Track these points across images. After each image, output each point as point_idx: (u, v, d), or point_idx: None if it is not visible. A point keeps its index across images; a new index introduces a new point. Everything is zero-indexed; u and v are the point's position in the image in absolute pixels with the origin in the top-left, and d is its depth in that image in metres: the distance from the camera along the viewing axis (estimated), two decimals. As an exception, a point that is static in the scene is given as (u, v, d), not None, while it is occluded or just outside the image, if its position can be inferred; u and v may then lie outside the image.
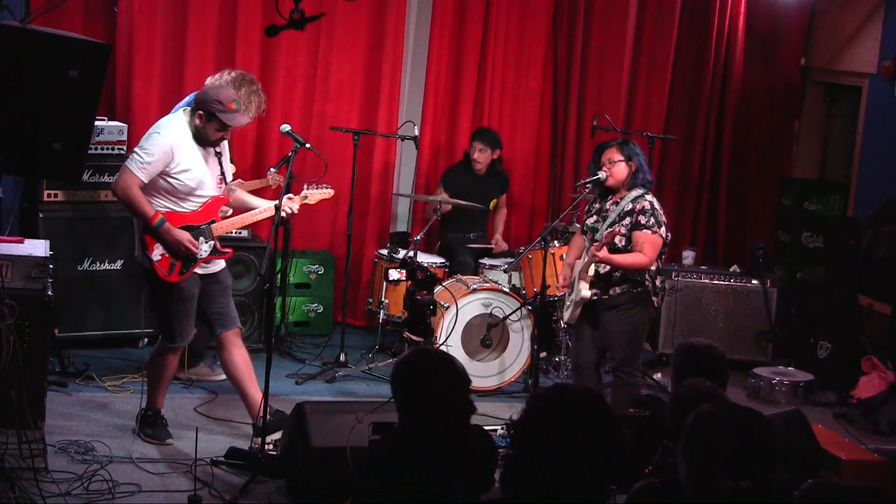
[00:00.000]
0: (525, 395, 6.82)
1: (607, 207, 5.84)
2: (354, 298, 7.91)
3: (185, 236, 5.35)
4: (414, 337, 6.55)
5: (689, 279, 7.78)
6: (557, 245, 7.06)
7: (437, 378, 3.40)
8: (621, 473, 2.73)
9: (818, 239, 8.27)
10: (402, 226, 8.28)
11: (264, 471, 5.19)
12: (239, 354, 5.60)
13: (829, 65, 8.64)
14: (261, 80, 6.45)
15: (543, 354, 7.23)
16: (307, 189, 5.79)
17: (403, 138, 7.52)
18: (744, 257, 8.41)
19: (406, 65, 8.09)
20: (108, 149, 6.66)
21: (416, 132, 7.45)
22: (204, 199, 5.47)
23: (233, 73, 6.25)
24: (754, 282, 7.78)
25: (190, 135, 5.38)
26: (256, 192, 6.29)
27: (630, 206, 5.71)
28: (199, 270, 5.49)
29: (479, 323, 6.84)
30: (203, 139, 5.39)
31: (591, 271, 5.71)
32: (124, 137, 6.73)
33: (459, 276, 7.12)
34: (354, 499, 3.47)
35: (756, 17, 8.63)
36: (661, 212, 5.75)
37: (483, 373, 6.86)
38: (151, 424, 5.65)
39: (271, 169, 6.96)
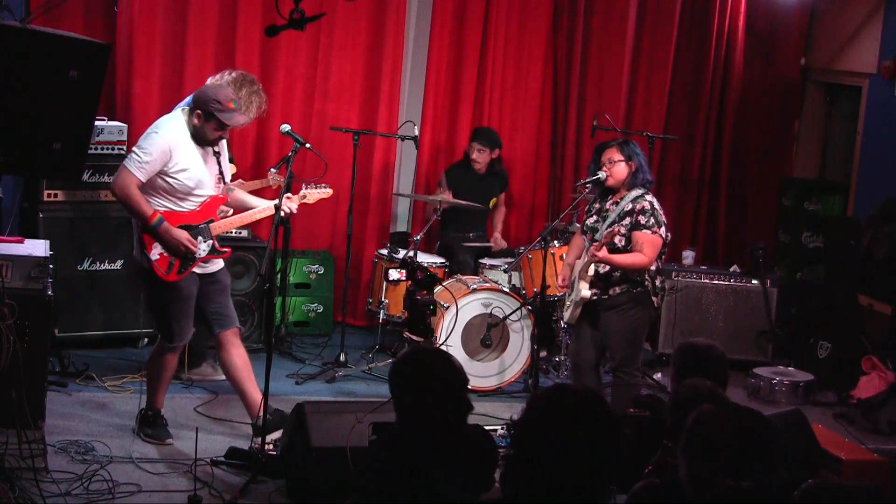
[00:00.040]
0: (525, 395, 6.82)
1: (607, 207, 5.84)
2: (354, 298, 7.91)
3: (183, 235, 5.35)
4: (414, 337, 6.54)
5: (689, 279, 7.78)
6: (557, 245, 7.06)
7: (436, 377, 3.40)
8: (621, 473, 2.73)
9: (818, 239, 8.27)
10: (402, 226, 8.28)
11: (264, 471, 5.19)
12: (238, 354, 5.60)
13: (829, 65, 8.64)
14: (261, 80, 6.45)
15: (543, 354, 7.23)
16: (306, 189, 5.79)
17: (403, 138, 7.52)
18: (744, 257, 8.41)
19: (406, 65, 8.09)
20: (108, 149, 6.66)
21: (416, 132, 7.45)
22: (202, 199, 5.47)
23: (233, 74, 6.25)
24: (754, 282, 7.78)
25: (188, 134, 5.38)
26: (257, 193, 6.29)
27: (630, 206, 5.71)
28: (197, 270, 5.49)
29: (479, 323, 6.84)
30: (201, 139, 5.39)
31: (591, 271, 5.71)
32: (124, 137, 6.73)
33: (459, 276, 7.12)
34: (354, 499, 3.47)
35: (756, 17, 8.63)
36: (661, 212, 5.75)
37: (483, 373, 6.86)
38: (151, 424, 5.65)
39: (272, 169, 6.96)
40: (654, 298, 5.78)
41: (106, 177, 6.62)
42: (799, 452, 5.00)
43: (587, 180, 5.92)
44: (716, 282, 7.79)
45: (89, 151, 5.14)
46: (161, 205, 5.38)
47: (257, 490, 5.10)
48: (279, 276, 7.03)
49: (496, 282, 7.12)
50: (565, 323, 6.40)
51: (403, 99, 8.12)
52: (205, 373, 6.60)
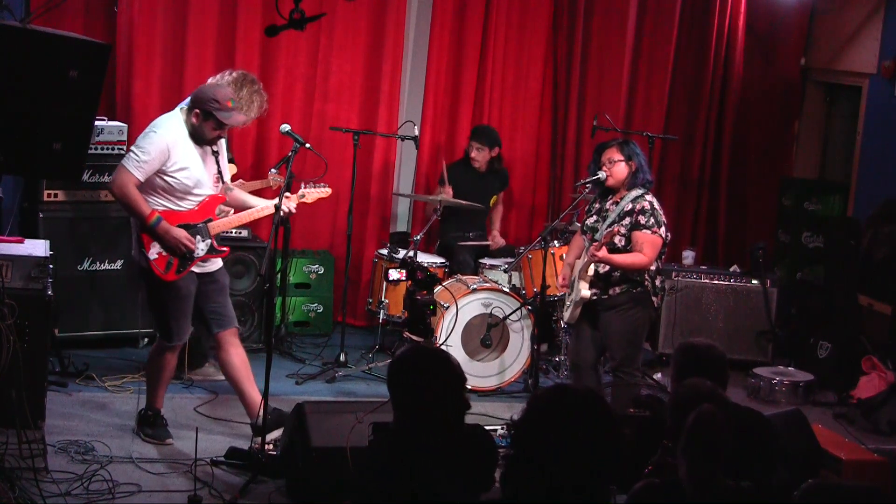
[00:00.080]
0: (525, 395, 6.82)
1: (607, 207, 5.84)
2: (354, 298, 7.91)
3: (181, 234, 5.35)
4: (414, 337, 6.54)
5: (689, 279, 7.78)
6: (557, 245, 7.06)
7: (436, 376, 3.40)
8: (621, 473, 2.73)
9: (818, 239, 8.27)
10: (402, 226, 8.28)
11: (264, 471, 5.19)
12: (236, 354, 5.59)
13: (829, 65, 8.64)
14: (261, 80, 6.44)
15: (544, 347, 7.22)
16: (304, 188, 5.79)
17: (403, 138, 7.52)
18: (744, 257, 8.41)
19: (406, 65, 8.09)
20: (108, 149, 6.66)
21: (416, 132, 7.45)
22: (201, 198, 5.47)
23: (234, 74, 6.25)
24: (754, 282, 7.78)
25: (186, 133, 5.38)
26: (258, 193, 6.29)
27: (630, 206, 5.71)
28: (195, 269, 5.49)
29: (479, 323, 6.84)
30: (200, 138, 5.39)
31: (591, 271, 5.71)
32: (124, 137, 6.73)
33: (459, 276, 7.12)
34: (354, 499, 3.46)
35: (756, 17, 8.63)
36: (661, 212, 5.75)
37: (483, 373, 6.87)
38: (151, 424, 5.65)
39: (272, 170, 6.96)
40: (654, 298, 5.78)
41: (106, 177, 6.62)
42: (799, 452, 5.00)
43: (587, 180, 5.92)
44: (716, 282, 7.79)
45: (89, 151, 5.14)
46: (160, 204, 5.38)
47: (257, 490, 5.10)
48: (279, 276, 7.03)
49: (496, 282, 7.12)
50: (565, 323, 6.40)
51: (403, 99, 8.12)
52: (207, 373, 6.60)
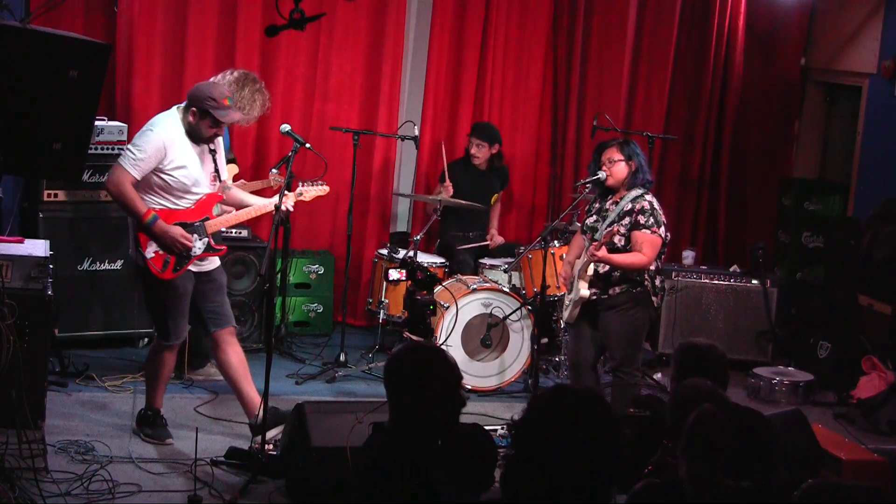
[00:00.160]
0: (525, 395, 6.82)
1: (607, 207, 5.84)
2: (354, 298, 7.91)
3: (178, 232, 5.35)
4: (414, 337, 6.54)
5: (689, 279, 7.78)
6: (557, 245, 7.06)
7: (435, 375, 3.38)
8: (621, 473, 2.73)
9: (818, 239, 8.27)
10: (402, 226, 8.28)
11: (264, 471, 5.19)
12: (234, 353, 5.59)
13: (829, 65, 8.64)
14: (261, 80, 6.45)
15: (545, 340, 7.21)
16: (302, 186, 5.79)
17: (403, 138, 7.52)
18: (744, 257, 8.41)
19: (406, 65, 8.09)
20: (108, 149, 6.65)
21: (416, 132, 7.45)
22: (198, 197, 5.47)
23: (235, 73, 6.27)
24: (754, 282, 7.78)
25: (183, 132, 5.38)
26: (258, 193, 6.29)
27: (629, 205, 5.71)
28: (192, 268, 5.48)
29: (479, 323, 6.84)
30: (196, 136, 5.39)
31: (591, 271, 5.71)
32: (124, 137, 6.72)
33: (459, 275, 7.12)
34: (353, 499, 3.46)
35: (756, 17, 8.63)
36: (661, 212, 5.75)
37: (483, 373, 6.87)
38: (151, 424, 5.65)
39: (273, 170, 6.96)
40: (653, 298, 5.78)
41: (106, 177, 6.61)
42: (799, 452, 5.00)
43: (587, 180, 5.92)
44: (716, 282, 7.79)
45: (89, 151, 5.14)
46: (157, 203, 5.38)
47: (257, 490, 5.10)
48: (279, 276, 7.03)
49: (496, 282, 7.12)
50: (565, 322, 6.40)
51: (403, 99, 8.12)
52: (207, 373, 6.59)
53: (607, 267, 5.71)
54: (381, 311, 7.13)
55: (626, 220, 5.69)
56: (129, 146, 5.37)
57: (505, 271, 7.25)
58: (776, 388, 7.17)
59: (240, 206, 5.69)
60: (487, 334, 6.82)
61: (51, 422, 5.42)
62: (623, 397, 5.60)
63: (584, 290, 5.73)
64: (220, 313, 5.60)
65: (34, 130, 4.66)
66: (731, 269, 7.94)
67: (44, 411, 5.17)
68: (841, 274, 7.65)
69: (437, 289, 6.59)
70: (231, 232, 6.88)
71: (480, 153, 7.70)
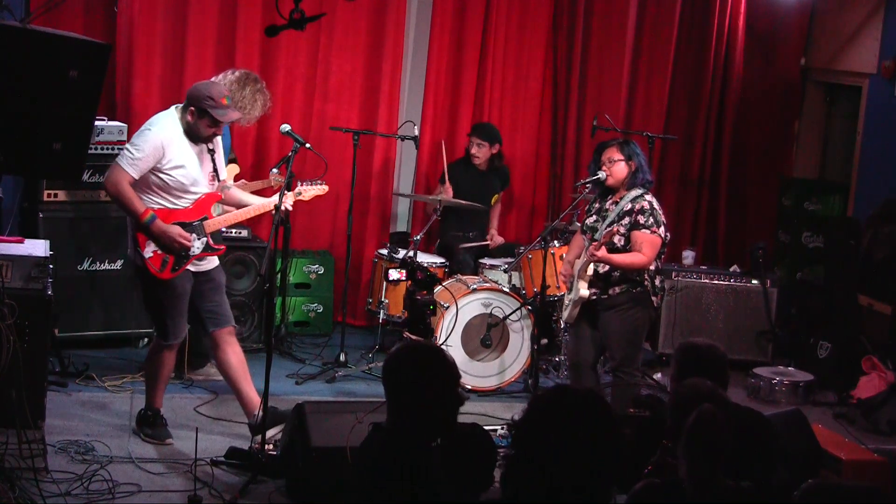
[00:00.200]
0: (525, 395, 6.82)
1: (607, 207, 5.84)
2: (354, 298, 7.91)
3: (176, 231, 5.35)
4: (414, 337, 6.54)
5: (689, 279, 7.78)
6: (557, 245, 7.06)
7: (435, 374, 3.38)
8: (621, 473, 2.73)
9: (818, 239, 8.27)
10: (402, 226, 8.28)
11: (264, 471, 5.19)
12: (233, 353, 5.59)
13: (829, 65, 8.64)
14: (262, 80, 6.46)
15: (544, 341, 7.21)
16: (301, 185, 5.79)
17: (403, 138, 7.52)
18: (744, 257, 8.41)
19: (406, 65, 8.09)
20: (108, 149, 6.65)
21: (416, 132, 7.45)
22: (197, 196, 5.47)
23: (237, 73, 6.27)
24: (754, 282, 7.78)
25: (181, 131, 5.38)
26: (259, 193, 6.30)
27: (629, 205, 5.71)
28: (191, 268, 5.48)
29: (479, 323, 6.84)
30: (195, 135, 5.39)
31: (590, 270, 5.71)
32: (124, 137, 6.72)
33: (459, 275, 7.12)
34: (352, 499, 3.45)
35: (756, 17, 8.63)
36: (661, 212, 5.75)
37: (483, 373, 6.87)
38: (151, 424, 5.65)
39: (273, 170, 6.97)
40: (653, 298, 5.78)
41: (104, 176, 6.61)
42: (799, 452, 5.00)
43: (587, 180, 5.92)
44: (716, 282, 7.79)
45: (89, 151, 5.14)
46: (155, 202, 5.37)
47: (257, 490, 5.10)
48: (279, 276, 7.03)
49: (496, 282, 7.12)
50: (564, 322, 6.40)
51: (403, 99, 8.12)
52: (207, 373, 6.59)
53: (607, 267, 5.71)
54: (381, 311, 7.13)
55: (626, 220, 5.69)
56: (128, 145, 5.38)
57: (505, 271, 7.25)
58: (776, 388, 7.17)
59: (239, 206, 5.69)
60: (487, 334, 6.82)
61: (51, 422, 5.42)
62: (623, 397, 5.60)
63: (583, 290, 5.73)
64: (219, 313, 5.59)
65: (34, 130, 4.66)
66: (731, 269, 7.94)
67: (44, 411, 5.17)
68: (841, 274, 7.65)
69: (437, 289, 6.59)
70: (231, 232, 6.88)
71: (481, 153, 7.69)
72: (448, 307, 6.69)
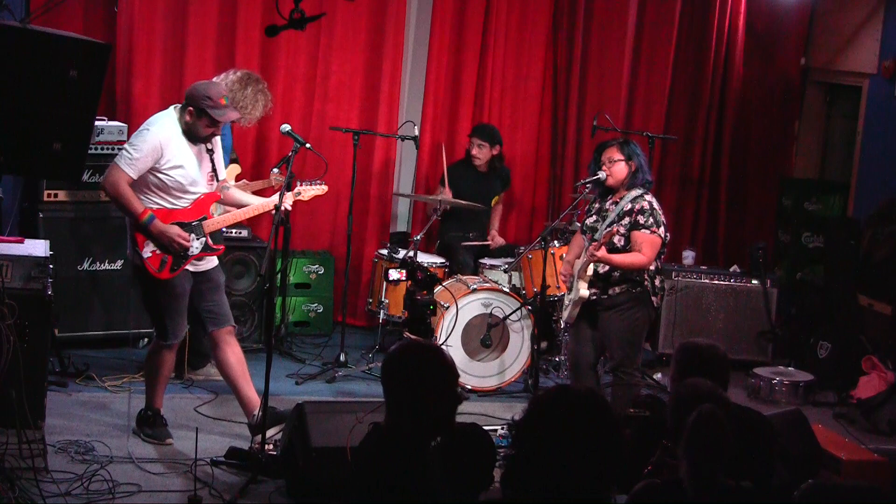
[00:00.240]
0: (525, 395, 6.82)
1: (607, 207, 5.84)
2: (354, 298, 7.92)
3: (175, 231, 5.35)
4: (414, 337, 6.54)
5: (689, 279, 7.78)
6: (557, 245, 7.06)
7: (428, 370, 3.37)
8: (621, 473, 2.73)
9: (818, 239, 8.27)
10: (402, 226, 8.28)
11: (264, 471, 5.18)
12: (232, 353, 5.58)
13: (829, 65, 8.64)
14: (264, 81, 6.46)
15: (544, 344, 7.22)
16: (300, 185, 5.79)
17: (403, 138, 7.52)
18: (744, 257, 8.41)
19: (406, 65, 8.09)
20: (108, 149, 6.65)
21: (416, 132, 7.45)
22: (195, 196, 5.47)
23: (238, 73, 6.27)
24: (754, 282, 7.78)
25: (180, 131, 5.38)
26: (260, 193, 6.30)
27: (629, 206, 5.71)
28: (190, 268, 5.48)
29: (479, 323, 6.84)
30: (193, 135, 5.39)
31: (590, 271, 5.71)
32: (124, 137, 6.71)
33: (459, 276, 7.12)
34: (350, 499, 3.45)
35: (756, 16, 8.64)
36: (661, 212, 5.75)
37: (483, 373, 6.87)
38: (151, 424, 5.65)
39: (274, 169, 6.97)
40: (653, 298, 5.78)
41: (103, 176, 6.61)
42: (799, 452, 5.00)
43: (587, 180, 5.92)
44: (716, 282, 7.79)
45: (89, 151, 5.14)
46: (154, 202, 5.37)
47: (257, 490, 5.10)
48: (279, 276, 7.03)
49: (496, 282, 7.12)
50: (564, 322, 6.40)
51: (403, 99, 8.12)
52: (208, 373, 6.59)
53: (607, 267, 5.71)
54: (381, 311, 7.13)
55: (626, 220, 5.69)
56: (126, 146, 5.38)
57: (505, 271, 7.25)
58: (776, 388, 7.17)
59: (238, 206, 5.69)
60: (487, 334, 6.82)
61: (51, 422, 5.42)
62: (623, 397, 5.60)
63: (583, 291, 5.73)
64: (218, 313, 5.59)
65: (34, 130, 4.66)
66: (731, 269, 7.94)
67: (44, 411, 5.18)
68: (841, 274, 7.65)
69: (437, 289, 6.60)
70: (231, 232, 6.89)
71: (481, 154, 7.69)
72: (448, 307, 6.69)
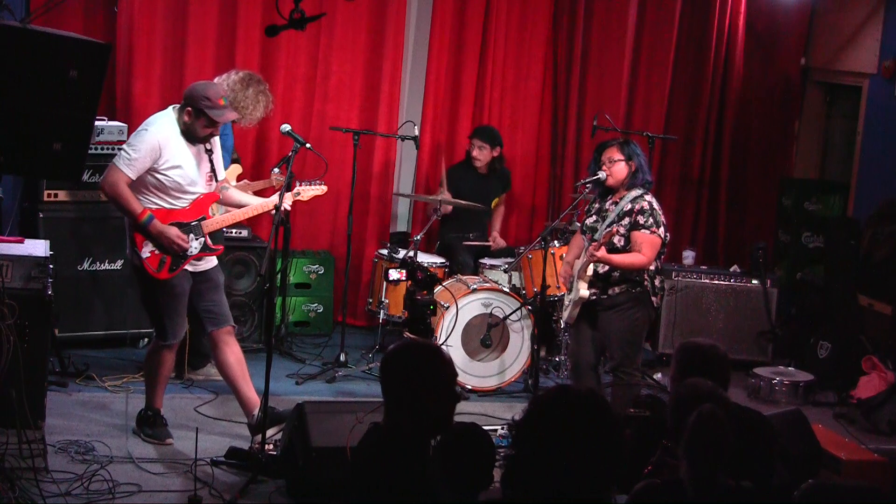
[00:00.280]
0: (525, 395, 6.82)
1: (607, 207, 5.84)
2: (354, 298, 7.92)
3: (173, 231, 5.35)
4: (413, 337, 6.55)
5: (689, 279, 7.78)
6: (557, 245, 7.06)
7: (426, 369, 3.37)
8: (621, 473, 2.73)
9: (818, 239, 8.27)
10: (402, 226, 8.28)
11: (264, 471, 5.19)
12: (232, 352, 5.58)
13: (829, 65, 8.64)
14: (265, 82, 6.46)
15: (543, 353, 7.22)
16: (300, 185, 5.79)
17: (403, 138, 7.52)
18: (744, 257, 8.41)
19: (406, 65, 8.09)
20: (108, 149, 6.65)
21: (416, 132, 7.45)
22: (194, 196, 5.47)
23: (240, 74, 6.27)
24: (754, 282, 7.78)
25: (178, 131, 5.38)
26: (261, 193, 6.30)
27: (629, 206, 5.71)
28: (189, 268, 5.48)
29: (479, 323, 6.84)
30: (192, 136, 5.39)
31: (590, 271, 5.71)
32: (124, 137, 6.71)
33: (459, 276, 7.12)
34: (350, 499, 3.45)
35: (756, 16, 8.64)
36: (661, 212, 5.75)
37: (483, 373, 6.87)
38: (151, 424, 5.65)
39: (274, 169, 6.97)
40: (653, 298, 5.78)
41: (101, 177, 6.62)
42: (799, 452, 5.00)
43: (587, 180, 5.92)
44: (716, 282, 7.80)
45: (89, 151, 5.13)
46: (153, 202, 5.37)
47: (257, 490, 5.10)
48: (279, 276, 7.03)
49: (496, 282, 7.12)
50: (564, 322, 6.40)
51: (403, 99, 8.12)
52: (208, 373, 6.59)
53: (607, 267, 5.71)
54: (381, 311, 7.13)
55: (626, 221, 5.69)
56: (125, 146, 5.38)
57: (505, 271, 7.25)
58: (776, 388, 7.17)
59: (238, 206, 5.69)
60: (487, 334, 6.82)
61: (51, 422, 5.42)
62: (623, 397, 5.60)
63: (583, 291, 5.73)
64: (218, 313, 5.59)
65: (34, 130, 4.65)
66: (731, 269, 7.94)
67: (44, 411, 5.18)
68: (841, 274, 7.65)
69: (437, 289, 6.60)
70: (231, 232, 6.89)
71: (482, 155, 7.69)
72: (448, 307, 6.69)
